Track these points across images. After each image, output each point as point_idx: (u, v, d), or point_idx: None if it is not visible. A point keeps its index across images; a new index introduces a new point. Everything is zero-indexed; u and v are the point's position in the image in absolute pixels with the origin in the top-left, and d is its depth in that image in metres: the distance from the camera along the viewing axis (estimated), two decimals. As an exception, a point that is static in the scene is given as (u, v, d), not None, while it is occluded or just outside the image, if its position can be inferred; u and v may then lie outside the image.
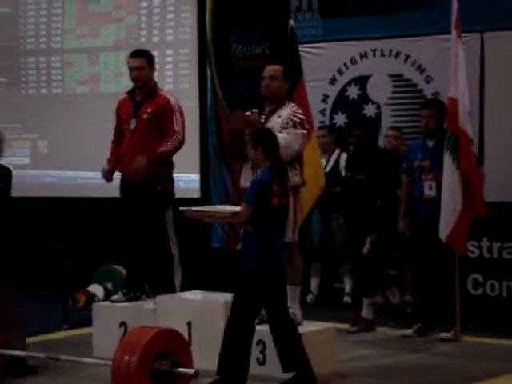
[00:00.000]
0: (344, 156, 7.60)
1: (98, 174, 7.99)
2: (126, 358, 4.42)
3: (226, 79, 8.10)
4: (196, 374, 4.54)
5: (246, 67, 8.19)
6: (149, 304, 5.90)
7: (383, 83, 7.70)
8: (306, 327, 5.50)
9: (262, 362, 5.30)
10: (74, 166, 8.98)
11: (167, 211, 5.97)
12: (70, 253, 7.45)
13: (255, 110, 5.52)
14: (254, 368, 5.17)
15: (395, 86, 7.66)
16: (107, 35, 8.87)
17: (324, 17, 7.97)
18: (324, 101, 7.94)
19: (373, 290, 6.82)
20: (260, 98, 5.61)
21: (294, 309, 5.46)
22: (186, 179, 8.31)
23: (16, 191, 6.57)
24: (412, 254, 6.73)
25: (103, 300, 7.08)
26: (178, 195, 6.23)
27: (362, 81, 7.79)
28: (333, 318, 6.56)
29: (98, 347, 5.86)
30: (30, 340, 5.60)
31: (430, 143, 6.53)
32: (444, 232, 6.22)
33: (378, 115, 7.74)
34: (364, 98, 7.79)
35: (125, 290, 6.11)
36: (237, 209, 4.95)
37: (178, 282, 5.99)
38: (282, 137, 5.30)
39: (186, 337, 5.18)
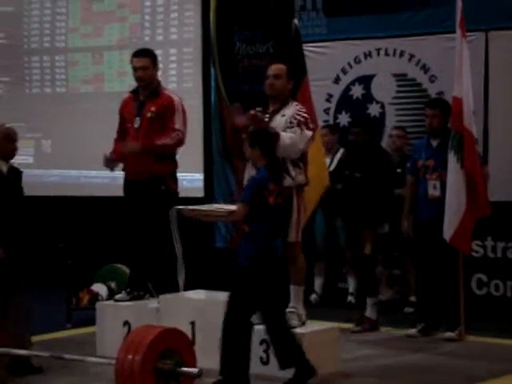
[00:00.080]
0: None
1: (102, 173, 7.96)
2: (130, 357, 4.42)
3: (229, 78, 8.08)
4: (199, 374, 4.53)
5: (249, 66, 8.18)
6: (152, 303, 5.89)
7: (387, 82, 7.69)
8: (310, 327, 5.50)
9: (265, 362, 5.29)
10: (77, 165, 8.99)
11: (171, 210, 5.95)
12: (74, 252, 7.45)
13: (259, 109, 5.51)
14: (257, 367, 5.17)
15: (399, 86, 7.65)
16: (111, 34, 8.87)
17: (328, 16, 7.96)
18: (328, 100, 7.94)
19: (376, 289, 6.81)
20: (264, 97, 5.60)
21: (298, 308, 5.46)
22: (190, 178, 8.31)
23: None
24: (416, 254, 6.72)
25: (107, 299, 7.08)
26: (181, 194, 6.22)
27: (366, 80, 7.78)
28: (336, 318, 6.55)
29: (101, 346, 5.86)
30: (34, 339, 5.60)
31: (435, 142, 6.52)
32: (448, 232, 6.21)
33: (382, 115, 7.73)
34: (368, 98, 7.78)
35: (128, 289, 6.11)
36: (233, 208, 4.95)
37: (181, 282, 5.97)
38: (288, 136, 5.29)
39: (190, 336, 5.17)
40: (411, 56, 7.58)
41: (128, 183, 6.15)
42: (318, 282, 7.79)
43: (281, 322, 4.98)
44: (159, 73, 6.35)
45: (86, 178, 8.96)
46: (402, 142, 7.47)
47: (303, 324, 5.45)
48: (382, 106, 7.73)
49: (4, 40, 9.41)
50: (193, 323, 5.48)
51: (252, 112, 5.36)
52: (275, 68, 5.59)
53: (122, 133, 6.17)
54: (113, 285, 7.49)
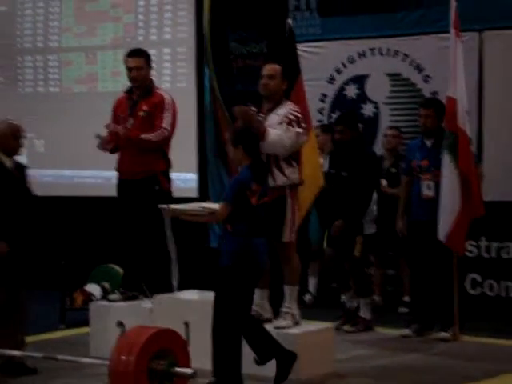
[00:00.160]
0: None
1: (96, 173, 7.93)
2: (124, 357, 4.41)
3: (223, 78, 8.08)
4: (193, 374, 4.52)
5: (243, 66, 8.17)
6: (146, 303, 5.88)
7: (381, 82, 7.69)
8: (304, 327, 5.49)
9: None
10: (71, 165, 8.96)
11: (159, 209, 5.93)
12: (67, 252, 7.43)
13: (254, 109, 5.50)
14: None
15: (393, 85, 7.65)
16: (105, 34, 8.85)
17: (322, 16, 7.96)
18: (322, 100, 7.93)
19: (368, 290, 6.80)
20: (258, 97, 5.59)
21: (292, 308, 5.45)
22: (184, 178, 8.30)
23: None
24: (410, 254, 6.71)
25: (100, 299, 7.06)
26: (175, 194, 6.21)
27: (360, 80, 7.78)
28: (331, 318, 6.55)
29: (95, 347, 5.84)
30: (27, 340, 5.58)
31: (429, 142, 6.52)
32: (442, 232, 6.21)
33: (377, 114, 7.73)
34: (362, 97, 7.78)
35: (122, 290, 6.09)
36: (216, 206, 4.94)
37: (175, 282, 5.97)
38: (274, 132, 5.28)
39: (184, 336, 5.15)
40: (405, 56, 7.58)
41: (122, 183, 6.14)
42: (312, 282, 7.78)
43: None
44: (153, 72, 6.35)
45: (80, 178, 8.93)
46: (397, 142, 7.47)
47: (297, 324, 5.45)
48: (376, 106, 7.73)
49: (-3, 39, 9.39)
50: (187, 323, 5.46)
51: (242, 107, 5.33)
52: (269, 68, 5.59)
53: (113, 138, 6.13)
54: (106, 285, 7.47)
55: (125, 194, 6.09)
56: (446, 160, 6.26)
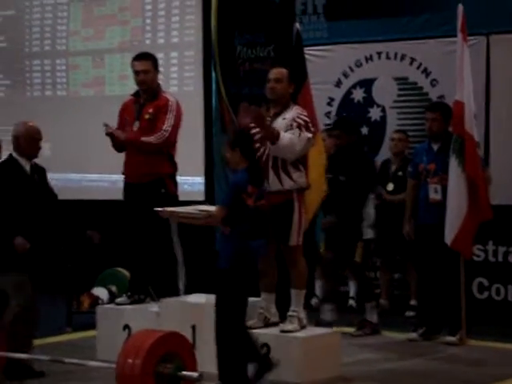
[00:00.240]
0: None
1: (103, 177, 7.95)
2: (130, 361, 4.41)
3: (230, 82, 8.08)
4: (200, 378, 4.52)
5: (250, 70, 8.17)
6: (153, 307, 5.88)
7: (388, 86, 7.69)
8: (311, 331, 5.50)
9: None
10: (78, 169, 8.98)
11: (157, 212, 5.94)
12: (75, 256, 7.44)
13: (264, 106, 5.50)
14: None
15: (400, 89, 7.65)
16: (112, 37, 8.87)
17: (329, 20, 7.96)
18: (329, 104, 7.93)
19: (372, 293, 6.78)
20: (265, 101, 5.60)
21: (299, 312, 5.44)
22: (191, 182, 8.31)
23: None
24: (417, 258, 6.71)
25: (107, 303, 7.07)
26: (182, 198, 6.21)
27: (367, 84, 7.78)
28: (337, 322, 6.54)
29: (102, 350, 5.85)
30: (35, 343, 5.59)
31: (435, 146, 6.51)
32: (449, 236, 6.20)
33: (384, 118, 7.73)
34: (369, 101, 7.78)
35: (129, 293, 6.10)
36: (213, 210, 4.95)
37: (182, 285, 5.98)
38: (287, 136, 5.29)
39: (191, 340, 5.16)
40: (412, 60, 7.58)
41: (128, 186, 6.15)
42: (318, 286, 7.77)
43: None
44: (160, 76, 6.36)
45: (87, 182, 8.95)
46: (403, 146, 7.47)
47: (304, 328, 5.44)
48: (383, 110, 7.73)
49: (5, 43, 9.42)
50: (193, 327, 5.47)
51: (257, 109, 5.33)
52: (276, 72, 5.59)
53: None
54: (113, 288, 7.49)
55: (131, 197, 6.10)
56: (453, 164, 6.25)
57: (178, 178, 6.24)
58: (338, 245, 6.59)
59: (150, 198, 5.94)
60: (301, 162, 5.48)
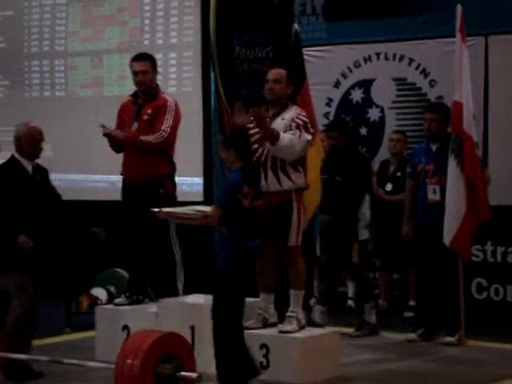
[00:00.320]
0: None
1: (101, 178, 7.93)
2: (129, 361, 4.41)
3: (229, 82, 8.07)
4: (199, 378, 4.53)
5: (249, 70, 8.17)
6: (152, 307, 5.88)
7: (387, 87, 7.70)
8: (310, 331, 5.50)
9: (265, 366, 5.28)
10: (77, 170, 8.98)
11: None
12: (73, 256, 7.44)
13: (264, 106, 5.50)
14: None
15: (399, 90, 7.65)
16: (111, 38, 8.88)
17: (328, 20, 7.97)
18: (328, 104, 7.94)
19: (371, 294, 6.78)
20: (264, 102, 5.60)
21: (298, 312, 5.45)
22: (190, 183, 8.31)
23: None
24: (416, 258, 6.71)
25: (106, 303, 7.07)
26: (181, 199, 6.21)
27: (365, 84, 7.78)
28: (336, 322, 6.54)
29: (100, 350, 5.85)
30: (34, 343, 5.59)
31: (434, 147, 6.52)
32: (448, 236, 6.21)
33: (382, 119, 7.74)
34: (368, 102, 7.78)
35: (128, 294, 6.10)
36: (208, 210, 4.95)
37: (180, 286, 5.98)
38: (287, 137, 5.29)
39: (189, 340, 5.16)
40: (411, 60, 7.58)
41: (126, 187, 6.15)
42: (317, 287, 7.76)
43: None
44: (159, 77, 6.36)
45: (85, 182, 8.95)
46: (402, 146, 7.48)
47: (303, 328, 5.45)
48: (382, 110, 7.73)
49: (4, 44, 9.42)
50: (192, 327, 5.47)
51: (257, 109, 5.32)
52: (275, 72, 5.60)
53: None
54: (112, 289, 7.49)
55: (129, 197, 6.10)
56: (452, 164, 6.26)
57: (177, 179, 6.24)
58: (334, 246, 6.58)
59: (148, 199, 5.94)
60: (299, 162, 5.48)
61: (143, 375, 4.39)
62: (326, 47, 7.93)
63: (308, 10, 8.06)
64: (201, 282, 6.79)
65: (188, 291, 5.95)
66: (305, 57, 7.00)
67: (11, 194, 5.24)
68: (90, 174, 8.84)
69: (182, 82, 8.58)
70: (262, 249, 5.42)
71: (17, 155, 5.39)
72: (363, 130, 7.81)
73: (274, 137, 5.26)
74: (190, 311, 5.61)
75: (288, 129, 5.38)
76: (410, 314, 7.24)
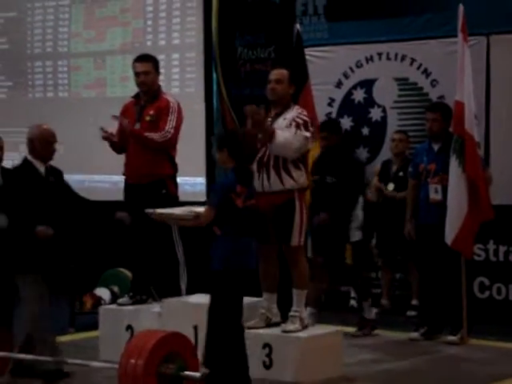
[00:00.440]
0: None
1: (104, 178, 7.95)
2: (133, 361, 4.43)
3: (231, 83, 8.11)
4: (202, 378, 4.54)
5: (251, 71, 8.20)
6: (155, 307, 5.91)
7: (389, 87, 7.70)
8: (312, 331, 5.52)
9: (268, 366, 5.30)
10: (79, 170, 9.00)
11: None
12: (77, 256, 7.46)
13: (262, 106, 5.52)
14: (260, 372, 5.18)
15: (401, 90, 7.65)
16: (114, 39, 8.89)
17: (330, 20, 7.97)
18: (330, 104, 7.95)
19: (367, 293, 6.76)
20: (266, 102, 5.62)
21: (300, 312, 5.47)
22: (192, 182, 8.33)
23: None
24: (418, 258, 6.73)
25: (110, 303, 7.10)
26: (184, 199, 6.24)
27: (367, 84, 7.79)
28: (339, 322, 6.56)
29: (104, 350, 5.87)
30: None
31: (436, 146, 6.53)
32: (450, 236, 6.22)
33: (384, 118, 7.74)
34: (370, 102, 7.79)
35: (131, 294, 6.13)
36: (201, 211, 4.97)
37: (183, 286, 6.00)
38: (282, 134, 5.31)
39: (193, 340, 5.18)
40: (413, 60, 7.59)
41: (128, 187, 6.17)
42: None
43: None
44: (162, 77, 6.38)
45: (89, 183, 8.97)
46: (404, 146, 7.48)
47: (306, 328, 5.46)
48: (384, 110, 7.74)
49: (7, 45, 9.44)
50: (195, 327, 5.49)
51: (254, 106, 5.33)
52: (276, 72, 5.61)
53: (121, 136, 6.17)
54: (116, 289, 7.52)
55: (132, 198, 6.12)
56: (454, 164, 6.27)
57: (180, 179, 6.26)
58: (327, 248, 6.58)
59: (150, 199, 5.96)
60: (301, 161, 5.50)
61: (147, 375, 4.41)
62: (327, 47, 7.92)
63: (310, 10, 8.07)
64: (204, 281, 6.83)
65: (191, 291, 5.97)
66: (307, 57, 7.02)
67: (25, 195, 5.23)
68: (93, 175, 8.85)
69: (184, 82, 8.60)
70: (264, 249, 5.45)
71: (29, 157, 5.38)
72: (365, 130, 7.82)
73: (269, 134, 5.28)
74: (193, 311, 5.62)
75: (288, 126, 5.40)
76: (413, 313, 7.24)
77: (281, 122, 5.46)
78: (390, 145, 7.59)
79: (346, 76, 7.88)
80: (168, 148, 6.06)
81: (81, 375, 5.42)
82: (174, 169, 6.16)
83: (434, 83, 7.51)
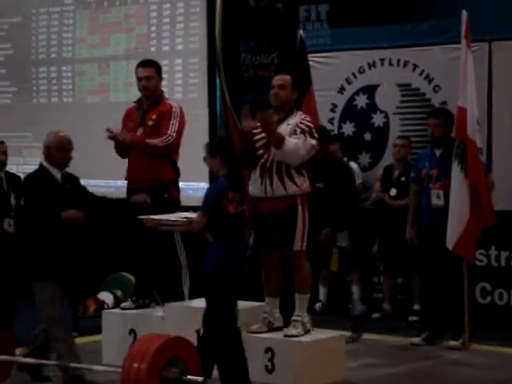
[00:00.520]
0: (352, 165, 7.65)
1: (107, 183, 7.97)
2: (136, 365, 4.44)
3: (235, 88, 8.13)
4: (204, 382, 4.56)
5: (255, 76, 8.23)
6: (158, 311, 5.93)
7: (391, 92, 7.73)
8: (315, 335, 5.53)
9: (270, 370, 5.32)
10: (83, 175, 8.98)
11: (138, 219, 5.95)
12: (80, 260, 7.47)
13: (271, 110, 5.54)
14: (262, 376, 5.20)
15: (403, 95, 7.68)
16: (118, 44, 8.93)
17: (332, 26, 8.01)
18: (332, 110, 7.98)
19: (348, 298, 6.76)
20: (269, 107, 5.64)
21: (303, 316, 5.48)
22: (195, 187, 8.34)
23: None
24: (420, 263, 6.74)
25: (113, 307, 7.12)
26: (187, 203, 6.25)
27: (370, 90, 7.82)
28: (341, 326, 6.57)
29: (107, 354, 5.89)
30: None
31: (438, 152, 6.56)
32: (451, 241, 6.24)
33: (386, 124, 7.77)
34: (372, 107, 7.82)
35: (134, 298, 6.14)
36: (193, 216, 4.99)
37: (186, 290, 6.02)
38: (293, 141, 5.33)
39: (195, 344, 5.19)
40: (415, 66, 7.62)
41: (131, 191, 6.18)
42: (322, 291, 7.81)
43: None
44: (165, 83, 6.41)
45: (92, 187, 8.93)
46: (406, 152, 7.51)
47: (308, 332, 5.48)
48: (386, 116, 7.77)
49: (12, 50, 9.49)
50: (198, 331, 5.51)
51: (265, 112, 5.35)
52: (280, 78, 5.63)
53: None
54: (119, 293, 7.53)
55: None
56: (456, 169, 6.29)
57: (183, 184, 6.29)
58: (313, 252, 6.58)
59: (153, 203, 5.98)
60: (304, 166, 5.51)
61: (150, 379, 4.42)
62: (330, 53, 7.96)
63: (313, 16, 8.10)
64: (199, 286, 6.85)
65: (194, 295, 5.99)
66: (310, 63, 7.05)
67: (41, 202, 5.23)
68: (97, 179, 8.88)
69: (187, 88, 8.63)
70: (266, 253, 5.47)
71: (45, 163, 5.36)
72: (367, 136, 7.85)
73: (279, 141, 5.30)
74: (195, 315, 5.62)
75: (293, 134, 5.42)
76: (415, 318, 7.25)
77: (284, 128, 5.48)
78: (392, 150, 7.61)
79: (348, 82, 7.91)
80: (170, 152, 6.09)
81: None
82: (177, 173, 6.18)
83: (436, 89, 7.54)
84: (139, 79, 6.18)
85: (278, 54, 8.13)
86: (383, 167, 7.68)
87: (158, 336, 4.73)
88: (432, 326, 6.51)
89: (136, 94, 6.45)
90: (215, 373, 4.94)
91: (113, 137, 6.04)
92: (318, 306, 7.71)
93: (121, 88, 8.85)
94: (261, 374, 5.22)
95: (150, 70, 6.18)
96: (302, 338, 5.39)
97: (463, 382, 5.56)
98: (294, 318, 5.48)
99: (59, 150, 5.37)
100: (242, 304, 5.32)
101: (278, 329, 5.52)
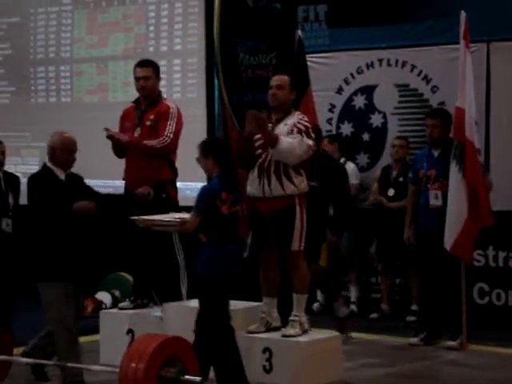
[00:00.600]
0: (350, 165, 7.65)
1: (107, 183, 7.98)
2: (133, 365, 4.44)
3: (233, 88, 8.14)
4: (202, 382, 4.56)
5: (253, 77, 8.23)
6: (156, 311, 5.93)
7: (389, 93, 7.74)
8: (312, 335, 5.54)
9: (268, 370, 5.32)
10: (83, 175, 9.00)
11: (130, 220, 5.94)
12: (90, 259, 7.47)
13: (265, 111, 5.55)
14: (260, 376, 5.21)
15: (401, 96, 7.69)
16: (116, 44, 8.93)
17: (331, 27, 8.01)
18: (331, 110, 7.98)
19: (335, 294, 6.74)
20: (267, 107, 5.65)
21: (300, 316, 5.49)
22: (193, 187, 8.33)
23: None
24: (418, 263, 6.75)
25: (111, 307, 7.12)
26: (185, 203, 6.25)
27: (368, 90, 7.82)
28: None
29: (105, 354, 5.89)
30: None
31: (436, 152, 6.57)
32: (449, 241, 6.25)
33: (385, 124, 7.78)
34: (370, 108, 7.83)
35: (132, 298, 6.15)
36: (186, 217, 4.98)
37: (184, 290, 6.03)
38: (287, 140, 5.34)
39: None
40: (413, 66, 7.63)
41: (129, 191, 6.18)
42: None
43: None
44: (163, 83, 6.41)
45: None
46: (404, 152, 7.52)
47: (306, 332, 5.49)
48: (384, 116, 7.78)
49: (10, 50, 9.49)
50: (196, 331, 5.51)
51: (256, 112, 5.36)
52: (278, 78, 5.64)
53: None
54: (117, 293, 7.53)
55: (132, 202, 6.13)
56: (454, 170, 6.30)
57: (181, 184, 6.29)
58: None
59: (150, 203, 5.98)
60: (302, 166, 5.52)
61: (147, 379, 4.41)
62: (328, 53, 7.96)
63: (311, 16, 8.11)
64: (192, 287, 6.85)
65: (192, 295, 5.99)
66: (308, 63, 7.05)
67: (46, 202, 5.21)
68: (95, 179, 8.86)
69: (186, 88, 8.63)
70: (264, 253, 5.48)
71: (49, 164, 5.35)
72: (366, 136, 7.85)
73: (272, 139, 5.31)
74: (193, 315, 5.63)
75: (290, 134, 5.42)
76: (413, 319, 7.27)
77: (282, 128, 5.49)
78: (390, 151, 7.62)
79: (346, 82, 7.92)
80: (168, 153, 6.09)
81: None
82: (174, 173, 6.19)
83: (434, 89, 7.55)
84: (137, 79, 6.18)
85: (276, 54, 8.13)
86: (381, 168, 7.69)
87: (155, 336, 4.73)
88: (430, 326, 6.51)
89: (134, 94, 6.45)
90: (212, 374, 4.94)
91: (111, 136, 6.04)
92: (315, 306, 7.73)
93: (119, 88, 8.85)
94: (258, 373, 5.23)
95: (147, 70, 6.18)
96: (300, 338, 5.40)
97: (461, 382, 5.56)
98: (291, 318, 5.49)
99: (64, 151, 5.37)
100: (240, 304, 5.34)
101: (276, 329, 5.52)
